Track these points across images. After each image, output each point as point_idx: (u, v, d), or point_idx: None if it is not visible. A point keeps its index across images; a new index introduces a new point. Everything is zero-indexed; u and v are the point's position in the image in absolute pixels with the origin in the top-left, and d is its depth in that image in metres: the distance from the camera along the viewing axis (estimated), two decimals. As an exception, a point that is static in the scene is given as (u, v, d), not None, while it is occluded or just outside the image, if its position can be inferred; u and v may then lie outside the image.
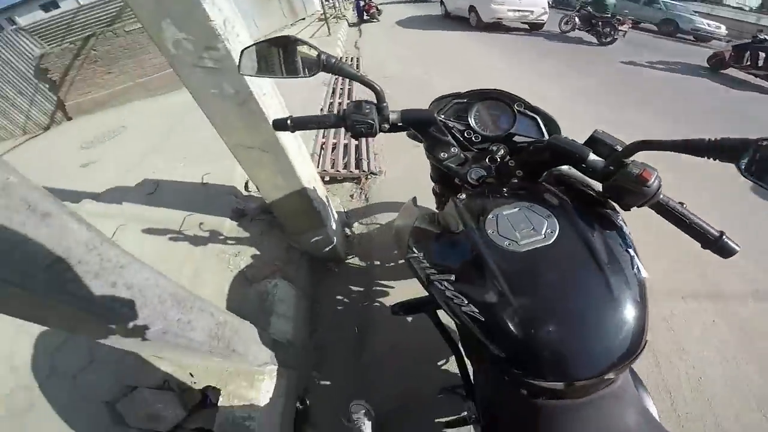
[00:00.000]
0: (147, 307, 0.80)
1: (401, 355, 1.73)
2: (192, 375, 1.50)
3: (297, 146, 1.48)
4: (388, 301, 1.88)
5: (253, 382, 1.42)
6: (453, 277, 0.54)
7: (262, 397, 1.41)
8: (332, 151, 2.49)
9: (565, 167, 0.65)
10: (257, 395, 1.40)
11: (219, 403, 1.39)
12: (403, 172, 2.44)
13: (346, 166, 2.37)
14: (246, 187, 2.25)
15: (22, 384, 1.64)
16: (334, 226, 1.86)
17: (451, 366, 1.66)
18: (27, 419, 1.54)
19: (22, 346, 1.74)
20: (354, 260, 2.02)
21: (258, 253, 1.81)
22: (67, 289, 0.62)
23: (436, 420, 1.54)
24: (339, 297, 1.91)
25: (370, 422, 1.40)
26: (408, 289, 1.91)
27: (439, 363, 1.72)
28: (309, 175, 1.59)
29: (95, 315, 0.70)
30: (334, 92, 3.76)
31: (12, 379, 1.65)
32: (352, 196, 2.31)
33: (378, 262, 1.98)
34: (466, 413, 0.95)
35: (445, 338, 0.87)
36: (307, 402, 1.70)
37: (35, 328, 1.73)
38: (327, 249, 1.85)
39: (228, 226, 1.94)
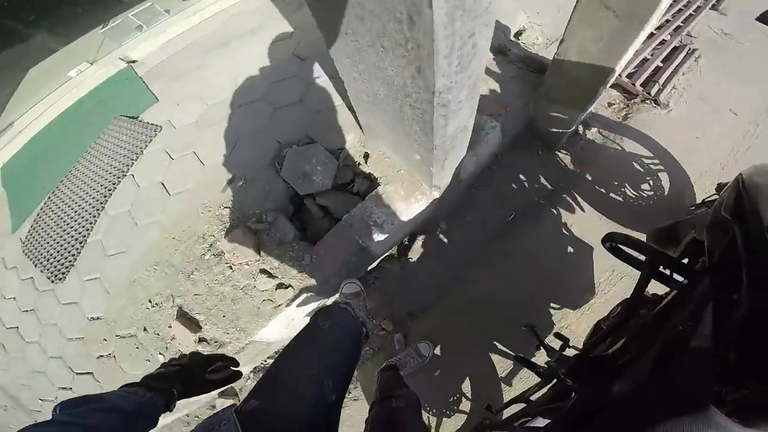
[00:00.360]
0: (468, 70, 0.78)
1: (529, 270, 1.65)
2: (366, 157, 1.56)
3: (645, 35, 1.19)
4: (566, 216, 1.75)
5: (410, 195, 1.41)
6: None
7: (406, 213, 1.39)
8: (625, 53, 2.05)
9: None
10: (404, 209, 1.39)
11: (367, 196, 1.40)
12: (692, 122, 1.85)
13: (630, 77, 1.95)
14: (517, 35, 2.15)
15: (231, 99, 1.92)
16: (582, 117, 1.67)
17: (558, 316, 1.56)
18: (207, 131, 1.83)
19: (250, 70, 2.02)
20: (564, 157, 1.85)
21: (498, 91, 1.84)
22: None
23: (497, 343, 1.55)
24: (521, 176, 1.86)
25: (361, 303, 1.36)
26: (599, 225, 1.67)
27: (553, 304, 1.61)
28: (623, 63, 1.33)
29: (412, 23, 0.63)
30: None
31: (227, 92, 1.96)
32: (610, 104, 1.96)
33: (589, 177, 1.78)
34: (546, 367, 0.90)
35: (632, 302, 0.80)
36: (415, 242, 1.77)
37: (269, 60, 2.06)
38: (555, 130, 1.74)
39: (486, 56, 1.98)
